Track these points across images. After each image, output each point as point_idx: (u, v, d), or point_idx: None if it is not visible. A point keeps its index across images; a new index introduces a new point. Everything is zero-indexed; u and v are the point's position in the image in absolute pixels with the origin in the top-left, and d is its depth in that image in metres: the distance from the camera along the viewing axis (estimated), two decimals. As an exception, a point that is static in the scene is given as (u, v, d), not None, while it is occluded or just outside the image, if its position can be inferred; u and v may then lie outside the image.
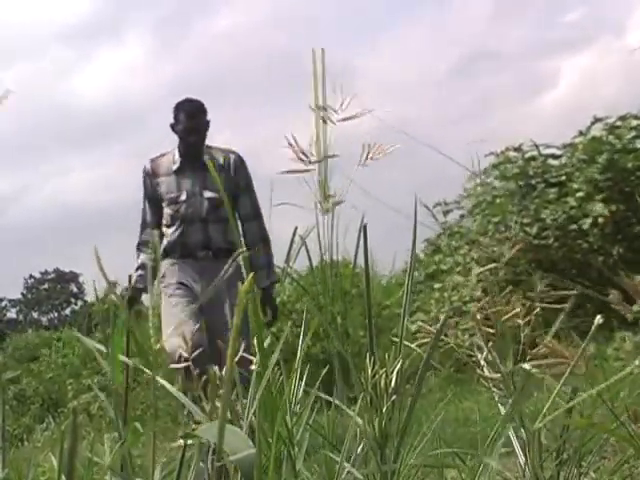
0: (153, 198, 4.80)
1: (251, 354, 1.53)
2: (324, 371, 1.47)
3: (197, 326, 4.29)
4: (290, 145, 1.46)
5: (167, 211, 4.72)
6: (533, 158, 8.12)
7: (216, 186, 4.53)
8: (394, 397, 1.19)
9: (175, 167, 4.74)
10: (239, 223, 4.78)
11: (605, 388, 1.07)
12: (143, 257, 4.77)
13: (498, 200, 7.99)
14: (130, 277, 4.58)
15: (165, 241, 4.70)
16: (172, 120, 4.77)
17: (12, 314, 34.78)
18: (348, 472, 1.19)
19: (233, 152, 4.85)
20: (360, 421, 1.24)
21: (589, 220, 7.26)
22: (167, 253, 4.69)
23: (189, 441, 1.29)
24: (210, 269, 4.57)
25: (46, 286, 36.51)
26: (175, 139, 4.80)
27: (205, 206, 4.66)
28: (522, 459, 1.31)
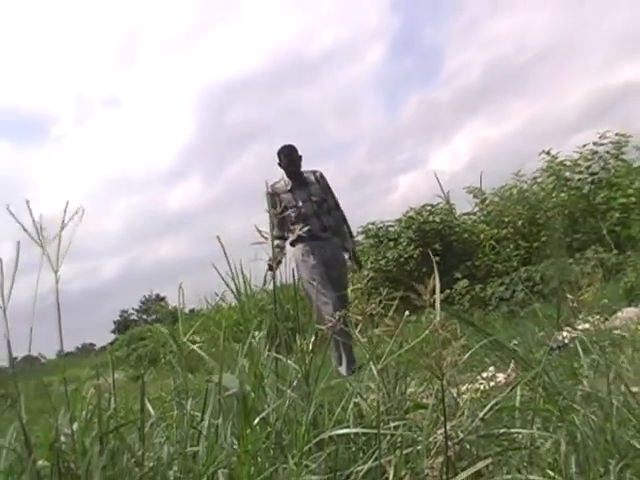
0: (276, 209, 4.02)
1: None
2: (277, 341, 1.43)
3: (336, 294, 3.71)
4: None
5: (292, 214, 3.96)
6: (380, 227, 8.30)
7: (316, 192, 4.01)
8: (312, 354, 1.17)
9: (289, 187, 4.02)
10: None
11: (417, 342, 1.08)
12: (277, 242, 3.87)
13: (365, 249, 8.13)
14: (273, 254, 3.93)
15: (294, 233, 3.82)
16: (277, 161, 4.07)
17: (134, 317, 34.01)
18: (289, 395, 1.16)
19: (317, 171, 4.13)
20: (296, 367, 1.22)
21: (410, 256, 7.45)
22: (299, 240, 3.91)
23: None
24: (328, 242, 3.98)
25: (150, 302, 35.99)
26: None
27: (315, 206, 4.00)
28: (378, 379, 1.30)
